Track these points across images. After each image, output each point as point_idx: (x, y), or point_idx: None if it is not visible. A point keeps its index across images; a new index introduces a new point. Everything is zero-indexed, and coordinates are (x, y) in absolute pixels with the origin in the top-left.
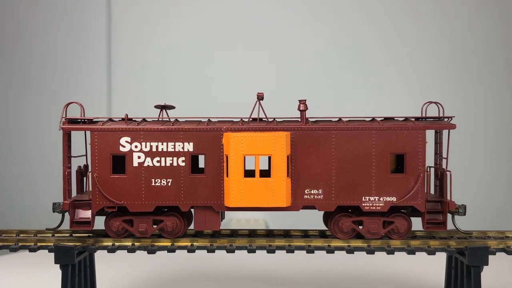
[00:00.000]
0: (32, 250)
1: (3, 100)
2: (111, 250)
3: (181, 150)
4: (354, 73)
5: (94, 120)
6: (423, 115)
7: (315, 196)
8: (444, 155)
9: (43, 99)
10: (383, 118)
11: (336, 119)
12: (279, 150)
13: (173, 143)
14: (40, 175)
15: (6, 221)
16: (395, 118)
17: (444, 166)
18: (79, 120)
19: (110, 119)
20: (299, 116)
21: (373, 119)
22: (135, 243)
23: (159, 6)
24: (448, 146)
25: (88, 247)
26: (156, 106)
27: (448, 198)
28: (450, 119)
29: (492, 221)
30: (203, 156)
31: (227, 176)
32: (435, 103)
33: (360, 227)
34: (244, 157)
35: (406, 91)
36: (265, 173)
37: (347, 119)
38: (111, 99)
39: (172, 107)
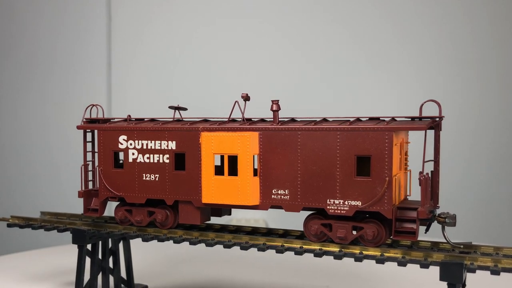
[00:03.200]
0: (60, 231)
1: (4, 99)
2: (115, 235)
3: (166, 148)
4: (356, 73)
5: (111, 120)
6: (421, 114)
7: (282, 196)
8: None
9: (43, 99)
10: (367, 118)
11: (320, 119)
12: (245, 149)
13: (159, 142)
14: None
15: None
16: (380, 118)
17: (433, 169)
18: (96, 120)
19: (125, 120)
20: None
21: (358, 119)
22: (137, 232)
23: (159, 6)
24: (424, 148)
25: (99, 231)
26: (170, 107)
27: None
28: (440, 119)
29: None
30: (184, 154)
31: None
32: (433, 101)
33: None
34: (214, 155)
35: (409, 89)
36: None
37: (332, 119)
38: (111, 99)
39: (184, 109)
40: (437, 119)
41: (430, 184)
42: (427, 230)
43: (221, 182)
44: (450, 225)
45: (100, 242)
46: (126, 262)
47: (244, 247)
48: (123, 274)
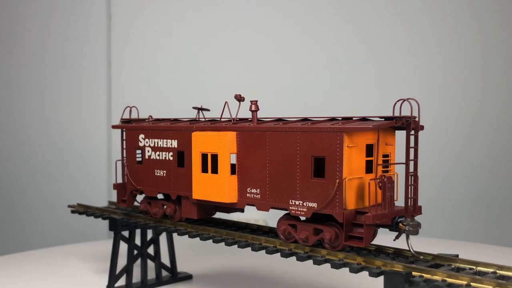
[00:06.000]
0: (104, 218)
1: (4, 99)
2: (139, 225)
3: (171, 146)
4: (359, 72)
5: (145, 120)
6: (397, 114)
7: (254, 195)
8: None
9: (43, 99)
10: (341, 118)
11: (298, 119)
12: (223, 148)
13: (166, 140)
14: None
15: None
16: (353, 118)
17: (405, 173)
18: (129, 120)
19: (157, 119)
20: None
21: (333, 119)
22: (156, 223)
23: (159, 6)
24: (377, 149)
25: (128, 220)
26: (194, 108)
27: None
28: (410, 119)
29: None
30: (183, 152)
31: None
32: (409, 100)
33: None
34: (201, 153)
35: (412, 89)
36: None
37: (316, 118)
38: (111, 99)
39: (207, 110)
40: (406, 119)
41: (392, 188)
42: (396, 238)
43: (206, 180)
44: (411, 233)
45: (138, 231)
46: (169, 251)
47: (228, 243)
48: (166, 262)
